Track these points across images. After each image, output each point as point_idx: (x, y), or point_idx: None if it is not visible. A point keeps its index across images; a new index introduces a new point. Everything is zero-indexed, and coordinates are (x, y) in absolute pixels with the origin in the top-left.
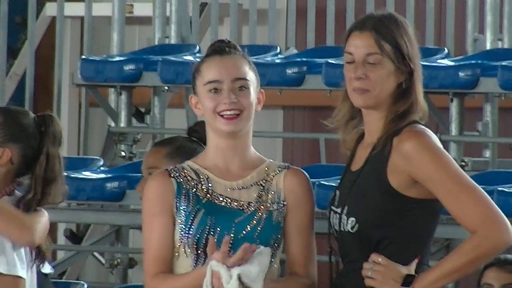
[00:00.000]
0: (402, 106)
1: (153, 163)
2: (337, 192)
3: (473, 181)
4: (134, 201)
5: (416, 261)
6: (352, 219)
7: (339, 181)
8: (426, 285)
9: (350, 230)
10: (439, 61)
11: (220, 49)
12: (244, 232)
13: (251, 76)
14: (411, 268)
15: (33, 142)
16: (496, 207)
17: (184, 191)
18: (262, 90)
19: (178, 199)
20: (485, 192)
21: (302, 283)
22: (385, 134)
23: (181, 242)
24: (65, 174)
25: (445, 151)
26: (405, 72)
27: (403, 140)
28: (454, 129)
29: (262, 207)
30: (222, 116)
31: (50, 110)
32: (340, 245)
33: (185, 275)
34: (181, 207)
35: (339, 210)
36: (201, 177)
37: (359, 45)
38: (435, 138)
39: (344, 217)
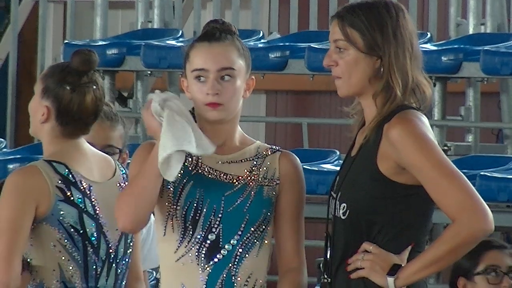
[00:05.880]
0: (375, 91)
1: None
2: (337, 178)
3: (456, 169)
4: None
5: (408, 249)
6: (344, 205)
7: (340, 166)
8: (408, 275)
9: (342, 216)
10: (422, 45)
11: (211, 33)
12: (233, 205)
13: (239, 65)
14: (403, 257)
15: None
16: (477, 194)
17: None
18: (253, 77)
19: None
20: (467, 180)
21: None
22: (374, 120)
23: (168, 214)
24: None
25: (431, 138)
26: (380, 57)
27: (391, 127)
28: (436, 113)
29: (252, 181)
30: (207, 104)
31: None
32: (334, 230)
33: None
34: None
35: (335, 195)
36: None
37: (331, 32)
38: (424, 124)
39: (337, 202)
